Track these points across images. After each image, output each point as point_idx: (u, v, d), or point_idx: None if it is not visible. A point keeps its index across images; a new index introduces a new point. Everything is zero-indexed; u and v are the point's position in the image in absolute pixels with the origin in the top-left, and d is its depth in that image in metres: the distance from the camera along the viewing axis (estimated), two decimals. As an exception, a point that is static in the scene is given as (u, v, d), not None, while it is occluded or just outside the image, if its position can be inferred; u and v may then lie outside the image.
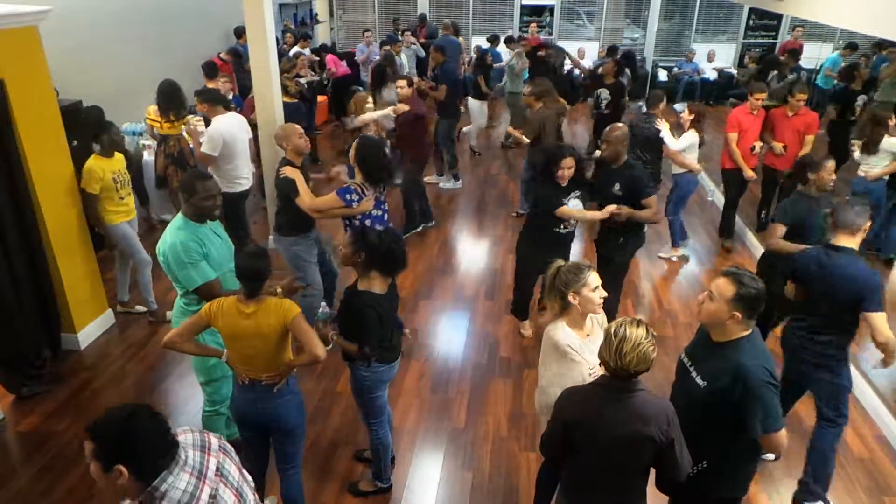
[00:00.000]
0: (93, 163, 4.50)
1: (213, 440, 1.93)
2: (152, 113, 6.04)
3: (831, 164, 3.93)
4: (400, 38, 10.69)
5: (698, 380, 2.43)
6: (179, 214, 3.15)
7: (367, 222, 4.04)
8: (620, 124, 4.43)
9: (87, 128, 4.59)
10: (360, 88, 8.58)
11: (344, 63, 10.33)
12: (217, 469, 1.85)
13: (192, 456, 1.79)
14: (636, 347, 2.08)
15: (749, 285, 2.31)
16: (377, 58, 9.34)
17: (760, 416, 2.26)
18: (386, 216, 4.24)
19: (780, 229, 3.84)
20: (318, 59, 10.01)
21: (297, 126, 4.42)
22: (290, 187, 4.10)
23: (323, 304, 3.15)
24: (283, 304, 2.69)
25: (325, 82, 9.51)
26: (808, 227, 3.84)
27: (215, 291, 3.05)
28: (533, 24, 12.03)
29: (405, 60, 9.84)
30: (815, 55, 11.57)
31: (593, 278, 2.69)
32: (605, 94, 7.46)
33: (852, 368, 4.39)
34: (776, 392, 2.30)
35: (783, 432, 2.31)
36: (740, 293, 2.30)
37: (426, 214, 6.80)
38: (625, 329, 2.11)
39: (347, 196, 4.00)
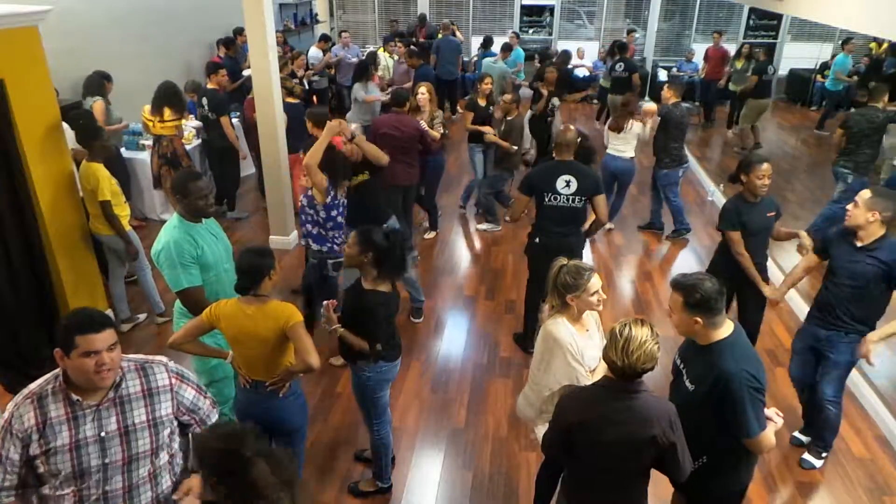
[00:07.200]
0: (100, 170, 4.39)
1: None
2: (146, 112, 6.01)
3: (766, 166, 3.67)
4: (395, 42, 10.69)
5: (687, 383, 2.48)
6: (175, 214, 3.16)
7: (332, 223, 4.07)
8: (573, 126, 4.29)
9: (85, 133, 4.51)
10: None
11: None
12: None
13: None
14: (642, 346, 2.10)
15: (692, 291, 2.35)
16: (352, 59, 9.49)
17: (741, 419, 2.29)
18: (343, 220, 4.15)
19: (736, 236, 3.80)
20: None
21: None
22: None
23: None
24: (285, 311, 2.68)
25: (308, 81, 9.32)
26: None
27: (198, 298, 3.04)
28: (631, 35, 11.22)
29: (388, 63, 9.85)
30: (815, 55, 11.56)
31: (594, 283, 2.70)
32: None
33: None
34: (759, 396, 2.31)
35: (766, 433, 2.33)
36: (688, 301, 2.36)
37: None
38: (629, 329, 2.13)
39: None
